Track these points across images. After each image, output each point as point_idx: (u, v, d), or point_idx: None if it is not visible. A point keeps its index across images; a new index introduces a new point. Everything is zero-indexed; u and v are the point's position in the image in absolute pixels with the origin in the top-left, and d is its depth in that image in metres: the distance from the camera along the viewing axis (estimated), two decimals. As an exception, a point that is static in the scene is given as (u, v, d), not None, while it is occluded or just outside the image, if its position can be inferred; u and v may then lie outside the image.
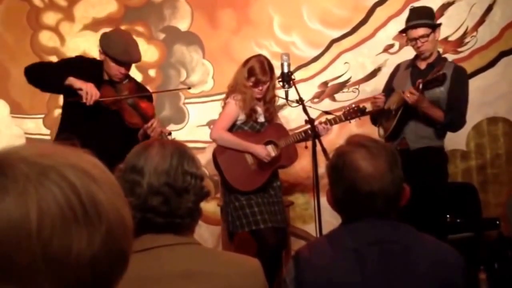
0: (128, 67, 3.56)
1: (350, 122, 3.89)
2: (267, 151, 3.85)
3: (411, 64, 3.88)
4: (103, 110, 3.47)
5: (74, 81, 3.38)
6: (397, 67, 4.04)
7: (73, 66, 3.51)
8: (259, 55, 3.91)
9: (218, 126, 3.88)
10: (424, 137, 3.72)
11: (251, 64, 3.80)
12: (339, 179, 1.60)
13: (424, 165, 3.62)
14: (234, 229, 3.85)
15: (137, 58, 3.59)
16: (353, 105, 3.89)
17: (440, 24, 3.84)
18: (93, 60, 3.71)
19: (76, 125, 3.45)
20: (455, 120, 3.74)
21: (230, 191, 3.84)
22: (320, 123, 3.83)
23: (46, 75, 3.44)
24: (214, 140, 3.90)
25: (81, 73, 3.46)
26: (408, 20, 3.80)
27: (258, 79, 3.77)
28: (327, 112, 3.89)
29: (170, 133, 3.63)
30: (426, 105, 3.60)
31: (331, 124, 3.84)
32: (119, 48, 3.48)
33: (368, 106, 3.92)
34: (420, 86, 3.52)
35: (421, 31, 3.70)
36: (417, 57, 3.87)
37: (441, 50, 4.67)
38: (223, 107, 3.94)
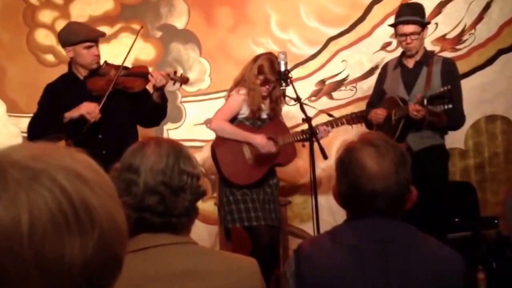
0: (97, 46, 3.55)
1: (352, 127, 3.93)
2: (266, 142, 3.80)
3: (399, 63, 3.84)
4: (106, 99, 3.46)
5: (70, 114, 3.39)
6: (385, 68, 4.00)
7: (54, 101, 3.47)
8: (270, 53, 3.84)
9: (219, 117, 3.85)
10: (427, 137, 3.70)
11: (261, 62, 3.75)
12: (344, 174, 1.60)
13: (427, 165, 3.61)
14: (225, 223, 3.84)
15: (102, 32, 3.69)
16: (358, 112, 3.94)
17: (429, 23, 3.83)
18: (60, 77, 3.67)
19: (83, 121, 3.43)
20: (458, 120, 3.74)
21: (226, 185, 3.83)
22: (322, 124, 3.83)
23: (47, 131, 3.31)
24: (214, 130, 3.87)
25: (61, 95, 3.47)
26: (399, 15, 3.75)
27: (267, 79, 3.73)
28: (329, 115, 3.90)
29: (175, 72, 3.62)
30: (432, 118, 3.55)
31: (332, 127, 3.84)
32: (84, 30, 3.54)
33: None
34: (425, 101, 3.46)
35: (412, 27, 3.67)
36: (403, 54, 3.83)
37: (438, 48, 4.67)
38: (226, 99, 3.91)
